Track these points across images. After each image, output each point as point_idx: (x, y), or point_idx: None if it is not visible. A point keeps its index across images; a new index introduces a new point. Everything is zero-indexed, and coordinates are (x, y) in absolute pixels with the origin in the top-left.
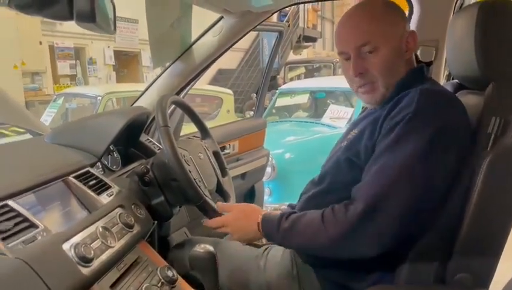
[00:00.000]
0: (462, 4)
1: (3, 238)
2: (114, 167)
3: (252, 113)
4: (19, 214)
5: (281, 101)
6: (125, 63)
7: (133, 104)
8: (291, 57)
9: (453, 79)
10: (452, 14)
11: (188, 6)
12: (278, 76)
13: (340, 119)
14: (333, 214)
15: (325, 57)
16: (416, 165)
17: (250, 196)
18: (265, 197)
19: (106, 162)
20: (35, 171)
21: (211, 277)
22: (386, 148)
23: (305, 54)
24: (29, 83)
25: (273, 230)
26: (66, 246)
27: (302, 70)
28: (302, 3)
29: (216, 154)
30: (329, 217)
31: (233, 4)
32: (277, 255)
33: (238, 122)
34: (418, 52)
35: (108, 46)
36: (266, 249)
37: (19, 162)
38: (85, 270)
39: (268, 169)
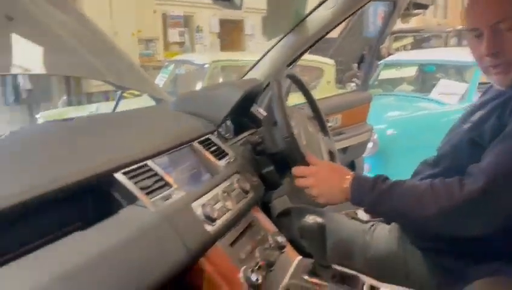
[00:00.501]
0: None
1: (146, 194)
2: (227, 134)
3: (352, 85)
4: (156, 174)
5: (386, 74)
6: (228, 31)
7: (245, 74)
8: (398, 25)
9: None
10: None
11: None
12: (382, 46)
13: (451, 95)
14: (447, 186)
15: (436, 26)
16: None
17: None
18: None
19: (220, 130)
20: (167, 136)
21: (319, 248)
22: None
23: (413, 23)
24: (143, 50)
25: (365, 190)
26: (195, 205)
27: (409, 40)
28: None
29: (331, 154)
30: (441, 188)
31: None
32: (384, 233)
33: (343, 95)
34: None
35: (214, 15)
36: (372, 225)
37: (151, 127)
38: (210, 229)
39: (369, 144)
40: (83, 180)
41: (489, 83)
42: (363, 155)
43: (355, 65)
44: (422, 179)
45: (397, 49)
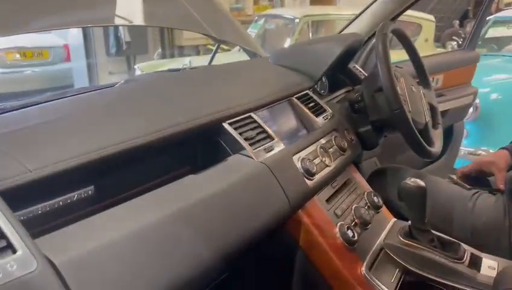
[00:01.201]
0: None
1: (251, 144)
2: (322, 91)
3: (453, 44)
4: (259, 126)
5: (493, 32)
6: None
7: (344, 29)
8: None
9: None
10: None
11: None
12: None
13: None
14: None
15: None
16: None
17: (447, 135)
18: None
19: (316, 86)
20: (268, 90)
21: (418, 211)
22: None
23: None
24: (233, 3)
25: None
26: (295, 159)
27: None
28: None
29: (432, 108)
30: None
31: None
32: (489, 201)
33: (447, 54)
34: None
35: None
36: (476, 192)
37: (252, 80)
38: (309, 182)
39: (470, 108)
40: (194, 128)
41: None
42: (464, 120)
43: (457, 22)
44: None
45: (509, 4)
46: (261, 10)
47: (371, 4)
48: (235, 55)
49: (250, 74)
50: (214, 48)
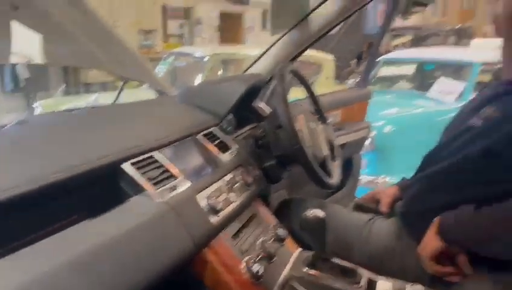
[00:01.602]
0: None
1: (153, 184)
2: (228, 128)
3: (351, 81)
4: (162, 165)
5: (384, 71)
6: (228, 24)
7: (247, 69)
8: (397, 22)
9: None
10: None
11: None
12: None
13: (449, 93)
14: None
15: (435, 24)
16: None
17: (347, 167)
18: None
19: (222, 124)
20: (172, 128)
21: (319, 240)
22: None
23: (412, 20)
24: (143, 41)
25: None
26: (199, 197)
27: (408, 38)
28: None
29: (330, 142)
30: None
31: None
32: (383, 226)
33: (343, 91)
34: None
35: (214, 7)
36: (371, 218)
37: (157, 119)
38: (214, 220)
39: (367, 141)
40: (91, 171)
41: (485, 82)
42: (361, 152)
43: (354, 61)
44: (427, 175)
45: (396, 47)
46: (170, 48)
47: (272, 46)
48: (145, 92)
49: (156, 112)
50: (121, 85)
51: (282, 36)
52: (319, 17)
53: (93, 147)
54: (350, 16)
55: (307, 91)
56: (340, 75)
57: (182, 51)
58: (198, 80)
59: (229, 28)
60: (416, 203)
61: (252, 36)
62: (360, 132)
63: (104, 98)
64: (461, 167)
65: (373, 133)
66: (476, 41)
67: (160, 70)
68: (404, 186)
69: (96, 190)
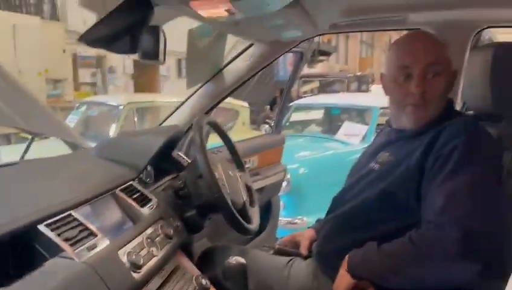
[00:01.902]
0: (477, 41)
1: (71, 245)
2: (148, 179)
3: (266, 126)
4: (81, 224)
5: (296, 116)
6: (143, 72)
7: (164, 121)
8: (305, 70)
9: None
10: (468, 51)
11: (222, 34)
12: (291, 90)
13: (354, 136)
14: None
15: (339, 71)
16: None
17: (266, 210)
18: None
19: (141, 176)
20: (89, 185)
21: (242, 287)
22: (450, 172)
23: (319, 68)
24: (51, 90)
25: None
26: (120, 254)
27: (316, 84)
28: (328, 33)
29: (248, 188)
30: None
31: (265, 35)
32: (301, 266)
33: (258, 137)
34: None
35: (129, 56)
36: (290, 260)
37: (73, 175)
38: (136, 276)
39: (283, 183)
40: (4, 235)
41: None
42: (279, 194)
43: (268, 107)
44: (336, 216)
45: (305, 92)
46: (82, 96)
47: (189, 98)
48: (54, 143)
49: (71, 168)
50: (29, 139)
51: (198, 89)
52: (232, 71)
53: (5, 209)
54: (260, 70)
55: (224, 141)
56: (256, 121)
57: (95, 99)
58: (112, 129)
59: (144, 76)
60: (328, 243)
61: (168, 84)
62: (277, 175)
63: (8, 152)
64: (363, 208)
65: (288, 176)
66: (375, 87)
67: (72, 120)
68: (318, 227)
69: (10, 256)
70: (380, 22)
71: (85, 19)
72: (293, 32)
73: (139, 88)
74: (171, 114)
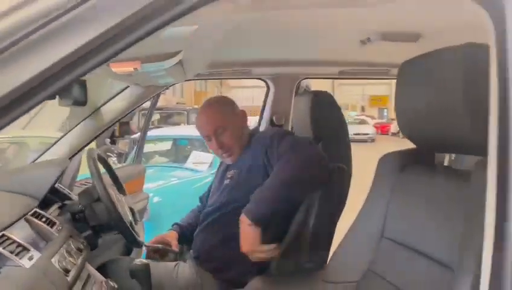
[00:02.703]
0: (298, 87)
1: (16, 254)
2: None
3: (114, 158)
4: (15, 241)
5: (145, 148)
6: None
7: (43, 153)
8: (145, 104)
9: None
10: (294, 96)
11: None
12: (131, 122)
13: (202, 164)
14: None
15: (177, 104)
16: None
17: None
18: None
19: None
20: (7, 211)
21: (147, 284)
22: (280, 145)
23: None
24: None
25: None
26: (53, 261)
27: (156, 116)
28: (196, 79)
29: (131, 209)
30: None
31: (142, 80)
32: (185, 268)
33: (124, 168)
34: (274, 118)
35: None
36: (176, 264)
37: None
38: (68, 278)
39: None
40: None
41: None
42: (143, 220)
43: (108, 140)
44: (208, 224)
45: (152, 123)
46: None
47: (65, 134)
48: None
49: None
50: None
51: (76, 125)
52: (110, 111)
53: None
54: (135, 108)
55: (107, 170)
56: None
57: None
58: None
59: None
60: (205, 243)
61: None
62: (142, 203)
63: None
64: (226, 211)
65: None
66: None
67: None
68: (179, 228)
69: None
70: (233, 72)
71: None
72: (168, 79)
73: None
74: (50, 147)
